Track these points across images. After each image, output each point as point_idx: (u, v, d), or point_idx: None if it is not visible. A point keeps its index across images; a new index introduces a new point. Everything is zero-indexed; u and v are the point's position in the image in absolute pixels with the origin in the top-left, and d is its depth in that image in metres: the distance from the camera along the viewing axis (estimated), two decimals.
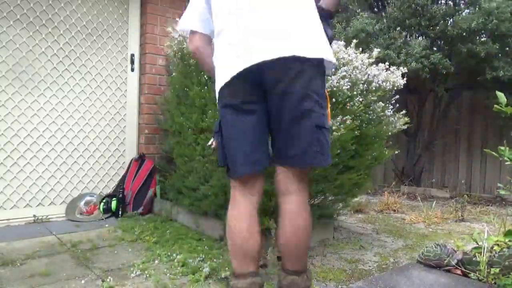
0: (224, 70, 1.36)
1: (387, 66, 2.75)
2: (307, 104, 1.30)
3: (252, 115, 1.36)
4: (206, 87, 2.55)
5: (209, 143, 1.61)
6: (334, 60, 1.39)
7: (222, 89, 1.38)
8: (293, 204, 1.37)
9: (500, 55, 4.38)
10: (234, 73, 1.31)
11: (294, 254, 1.38)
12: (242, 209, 1.40)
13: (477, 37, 4.51)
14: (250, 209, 1.40)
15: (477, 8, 4.43)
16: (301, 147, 1.33)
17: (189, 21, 1.55)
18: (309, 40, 1.34)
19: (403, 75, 2.81)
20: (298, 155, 1.34)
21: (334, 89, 2.25)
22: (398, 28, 4.83)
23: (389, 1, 5.07)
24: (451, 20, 4.56)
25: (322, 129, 1.34)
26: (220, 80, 1.38)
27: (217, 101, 1.45)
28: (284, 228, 1.37)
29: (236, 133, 1.37)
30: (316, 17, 1.41)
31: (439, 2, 4.91)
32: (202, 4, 1.51)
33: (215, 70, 1.44)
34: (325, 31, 1.42)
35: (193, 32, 1.54)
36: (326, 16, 1.48)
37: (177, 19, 3.63)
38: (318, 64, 1.34)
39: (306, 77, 1.30)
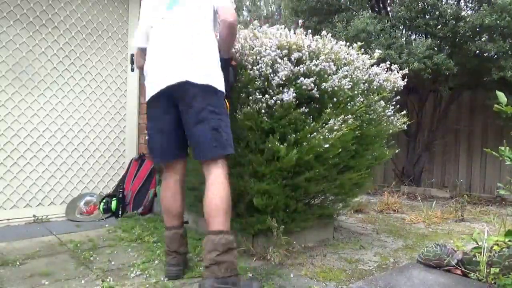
0: (148, 88, 1.95)
1: (388, 65, 2.75)
2: (203, 114, 1.78)
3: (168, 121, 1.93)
4: None
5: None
6: (219, 87, 1.85)
7: (148, 101, 1.97)
8: (209, 181, 1.81)
9: (509, 53, 4.32)
10: (152, 93, 1.91)
11: (212, 215, 1.74)
12: (168, 183, 2.01)
13: (488, 35, 4.45)
14: (173, 182, 2.00)
15: (486, 5, 4.38)
16: (203, 145, 1.80)
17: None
18: (200, 69, 1.82)
19: (403, 77, 2.81)
20: (201, 151, 1.82)
21: (336, 88, 2.25)
22: (402, 27, 4.82)
23: (393, 0, 5.06)
24: (461, 18, 4.51)
25: (218, 130, 1.79)
26: (147, 95, 1.96)
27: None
28: (205, 198, 1.78)
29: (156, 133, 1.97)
30: (210, 50, 1.89)
31: (447, 1, 4.88)
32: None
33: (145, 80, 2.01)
34: (226, 78, 1.95)
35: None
36: (225, 63, 1.99)
37: None
38: (207, 87, 1.80)
39: (200, 96, 1.79)
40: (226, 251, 1.66)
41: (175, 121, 1.91)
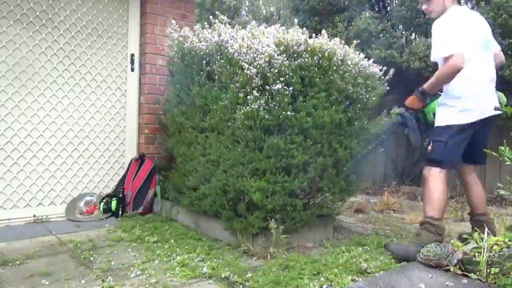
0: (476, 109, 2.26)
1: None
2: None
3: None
4: (206, 86, 2.55)
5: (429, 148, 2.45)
6: None
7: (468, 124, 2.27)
8: (478, 180, 2.61)
9: (508, 52, 4.32)
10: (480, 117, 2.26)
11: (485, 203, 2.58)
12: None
13: None
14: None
15: (483, 3, 4.38)
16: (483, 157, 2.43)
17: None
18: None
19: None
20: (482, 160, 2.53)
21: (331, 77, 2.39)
22: (401, 27, 4.82)
23: (393, 0, 5.06)
24: None
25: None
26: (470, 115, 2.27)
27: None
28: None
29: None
30: None
31: None
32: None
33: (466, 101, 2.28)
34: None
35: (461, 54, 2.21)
36: None
37: (174, 19, 3.64)
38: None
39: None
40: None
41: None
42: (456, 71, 2.17)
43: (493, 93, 2.36)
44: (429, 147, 2.41)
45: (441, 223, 2.32)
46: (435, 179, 2.39)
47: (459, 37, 2.20)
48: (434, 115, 2.46)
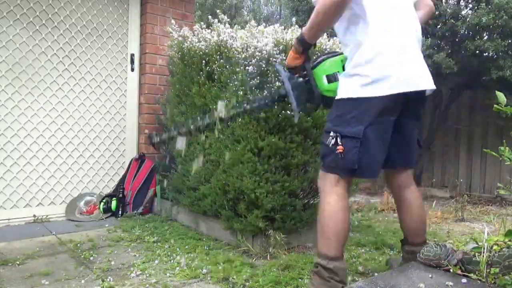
0: (385, 80, 1.49)
1: None
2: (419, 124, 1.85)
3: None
4: (205, 86, 2.55)
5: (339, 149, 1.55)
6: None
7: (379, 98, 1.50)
8: (416, 190, 1.90)
9: (509, 52, 4.32)
10: (396, 91, 1.49)
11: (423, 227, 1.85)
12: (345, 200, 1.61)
13: (486, 34, 4.46)
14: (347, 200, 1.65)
15: (485, 4, 4.39)
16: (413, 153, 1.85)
17: None
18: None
19: None
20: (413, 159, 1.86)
21: None
22: None
23: None
24: (460, 17, 4.52)
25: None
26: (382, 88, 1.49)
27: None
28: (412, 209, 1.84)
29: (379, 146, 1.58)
30: None
31: (448, 0, 4.88)
32: None
33: (374, 69, 1.50)
34: None
35: None
36: None
37: (174, 19, 3.64)
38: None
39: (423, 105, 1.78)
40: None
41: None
42: (336, 4, 1.44)
43: (421, 60, 1.62)
44: (339, 147, 1.51)
45: (340, 264, 1.56)
46: (332, 196, 1.58)
47: None
48: (329, 81, 1.65)
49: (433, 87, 1.62)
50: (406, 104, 1.59)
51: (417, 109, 1.74)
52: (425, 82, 1.59)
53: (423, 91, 1.62)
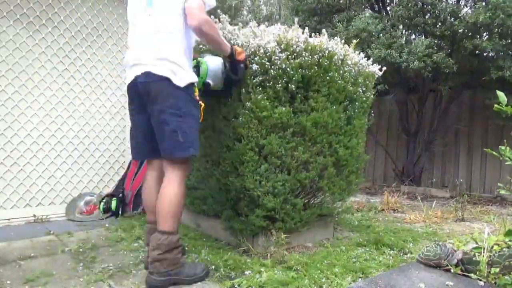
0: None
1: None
2: (163, 116, 1.83)
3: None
4: None
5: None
6: (182, 85, 1.83)
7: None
8: (164, 183, 1.88)
9: (509, 53, 4.32)
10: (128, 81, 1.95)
11: (160, 216, 1.84)
12: (148, 181, 2.05)
13: (484, 33, 4.46)
14: (151, 179, 2.04)
15: (483, 3, 4.40)
16: (162, 146, 1.87)
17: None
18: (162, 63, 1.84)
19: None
20: (163, 151, 1.88)
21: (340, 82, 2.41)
22: (401, 27, 4.82)
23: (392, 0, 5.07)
24: (459, 16, 4.52)
25: (177, 132, 1.81)
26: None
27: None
28: (158, 198, 1.87)
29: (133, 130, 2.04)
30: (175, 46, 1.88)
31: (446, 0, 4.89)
32: None
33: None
34: (229, 75, 2.09)
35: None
36: (229, 62, 2.06)
37: None
38: (168, 84, 1.82)
39: (160, 96, 1.83)
40: (169, 251, 1.81)
41: (147, 119, 1.91)
42: None
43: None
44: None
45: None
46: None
47: None
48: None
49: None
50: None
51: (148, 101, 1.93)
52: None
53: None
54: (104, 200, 3.20)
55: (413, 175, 5.65)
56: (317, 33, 2.46)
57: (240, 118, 2.19)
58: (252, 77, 2.19)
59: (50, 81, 3.13)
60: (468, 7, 4.82)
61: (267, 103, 2.16)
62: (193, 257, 2.22)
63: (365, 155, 2.86)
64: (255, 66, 2.17)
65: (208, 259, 2.18)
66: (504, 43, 4.22)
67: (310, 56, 2.29)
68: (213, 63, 2.11)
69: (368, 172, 6.31)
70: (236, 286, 1.85)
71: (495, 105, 1.50)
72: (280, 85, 2.19)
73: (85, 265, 2.10)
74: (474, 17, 4.23)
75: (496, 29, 4.28)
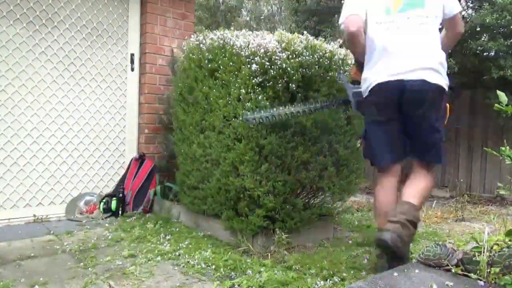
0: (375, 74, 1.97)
1: None
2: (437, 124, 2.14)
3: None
4: (208, 84, 2.55)
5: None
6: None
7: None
8: (422, 176, 2.04)
9: (509, 52, 4.32)
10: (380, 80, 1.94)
11: (413, 195, 1.94)
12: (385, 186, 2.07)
13: (490, 34, 4.46)
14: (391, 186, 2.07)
15: (487, 5, 4.39)
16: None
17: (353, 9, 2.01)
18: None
19: None
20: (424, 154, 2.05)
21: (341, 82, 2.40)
22: None
23: None
24: (462, 17, 4.54)
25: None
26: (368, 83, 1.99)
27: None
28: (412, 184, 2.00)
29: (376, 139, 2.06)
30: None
31: None
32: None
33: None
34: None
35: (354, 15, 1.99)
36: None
37: (174, 19, 3.64)
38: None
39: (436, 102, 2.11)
40: (411, 221, 1.88)
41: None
42: (349, 36, 1.99)
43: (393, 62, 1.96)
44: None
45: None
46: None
47: (351, 2, 2.03)
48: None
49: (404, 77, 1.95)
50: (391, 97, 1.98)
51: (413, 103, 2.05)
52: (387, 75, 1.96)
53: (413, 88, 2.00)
54: (104, 200, 3.20)
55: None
56: (318, 33, 2.47)
57: (240, 118, 2.19)
58: (252, 77, 2.19)
59: (50, 81, 3.13)
60: (470, 8, 4.81)
61: (267, 103, 2.16)
62: (193, 257, 2.22)
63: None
64: (254, 66, 2.17)
65: (208, 259, 2.18)
66: (508, 43, 4.23)
67: (310, 56, 2.29)
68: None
69: (368, 172, 6.30)
70: (236, 286, 1.85)
71: (496, 105, 1.49)
72: (280, 85, 2.20)
73: (85, 265, 2.09)
74: (480, 18, 4.23)
75: (500, 30, 4.29)
